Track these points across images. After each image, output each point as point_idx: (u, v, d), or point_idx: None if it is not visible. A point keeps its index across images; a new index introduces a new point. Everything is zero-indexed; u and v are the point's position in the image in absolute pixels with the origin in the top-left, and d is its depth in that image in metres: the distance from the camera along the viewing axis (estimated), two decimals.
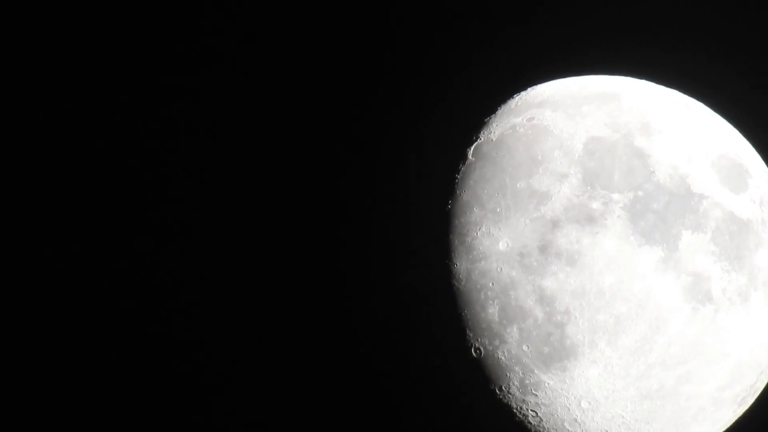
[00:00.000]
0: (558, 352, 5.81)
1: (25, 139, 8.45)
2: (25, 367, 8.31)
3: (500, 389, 6.05)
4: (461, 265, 6.07)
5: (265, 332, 8.24)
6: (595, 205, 5.88)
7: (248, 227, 8.32)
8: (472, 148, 6.40)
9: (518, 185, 6.03)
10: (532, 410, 6.02)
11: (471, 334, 6.04)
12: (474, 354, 6.06)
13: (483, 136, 6.43)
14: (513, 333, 5.89)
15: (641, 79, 6.65)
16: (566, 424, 5.98)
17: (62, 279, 8.36)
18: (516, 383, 5.97)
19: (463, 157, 6.39)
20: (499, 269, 5.93)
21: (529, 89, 6.70)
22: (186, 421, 8.24)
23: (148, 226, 8.45)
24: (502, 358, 5.95)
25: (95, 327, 8.31)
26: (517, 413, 6.08)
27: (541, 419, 6.03)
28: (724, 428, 6.42)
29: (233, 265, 8.27)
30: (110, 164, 8.51)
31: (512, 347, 5.90)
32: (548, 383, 5.88)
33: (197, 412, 8.25)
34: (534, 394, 5.95)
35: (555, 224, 5.88)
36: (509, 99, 6.66)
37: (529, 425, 6.09)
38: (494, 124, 6.46)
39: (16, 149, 8.44)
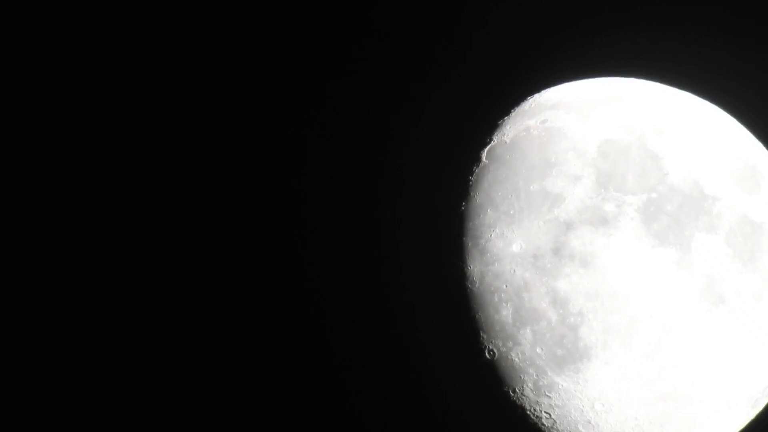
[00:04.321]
0: (571, 354, 5.82)
1: None
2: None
3: (514, 391, 6.06)
4: (475, 267, 6.08)
5: (272, 333, 8.26)
6: (609, 207, 5.88)
7: (262, 231, 8.33)
8: (486, 150, 6.41)
9: (532, 187, 6.04)
10: (545, 412, 6.03)
11: (484, 336, 6.05)
12: (487, 356, 6.07)
13: (496, 138, 6.44)
14: (526, 335, 5.90)
15: (654, 81, 6.65)
16: (580, 426, 5.99)
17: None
18: (530, 385, 5.98)
19: (477, 159, 6.40)
20: (512, 271, 5.94)
21: (542, 91, 6.71)
22: (185, 421, 8.25)
23: (152, 226, 8.46)
24: (516, 360, 5.96)
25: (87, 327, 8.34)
26: (531, 415, 6.09)
27: (555, 421, 6.04)
28: (738, 430, 6.41)
29: (248, 265, 8.29)
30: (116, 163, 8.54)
31: (526, 349, 5.91)
32: (562, 385, 5.89)
33: (199, 412, 8.26)
34: (547, 395, 5.96)
35: (568, 226, 5.89)
36: (523, 101, 6.67)
37: (542, 427, 6.10)
38: (508, 126, 6.47)
39: None
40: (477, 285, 6.06)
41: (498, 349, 6.02)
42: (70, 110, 8.52)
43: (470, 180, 6.34)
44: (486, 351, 6.06)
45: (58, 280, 8.34)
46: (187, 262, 8.36)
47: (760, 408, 6.37)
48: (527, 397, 6.03)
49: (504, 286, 5.96)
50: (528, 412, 6.09)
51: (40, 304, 8.31)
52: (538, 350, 5.88)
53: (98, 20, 8.47)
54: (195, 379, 8.25)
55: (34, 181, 8.46)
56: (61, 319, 8.30)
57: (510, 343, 5.96)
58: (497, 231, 6.05)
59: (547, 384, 5.92)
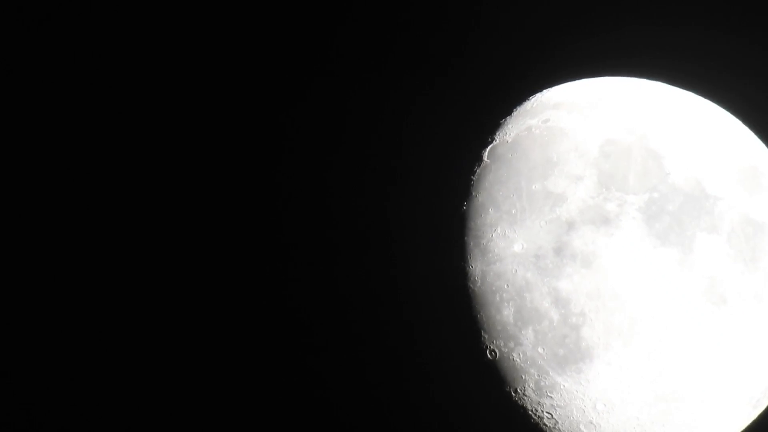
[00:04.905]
0: (573, 354, 5.81)
1: None
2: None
3: (515, 391, 6.05)
4: (476, 267, 6.08)
5: (278, 333, 8.26)
6: (611, 206, 5.88)
7: (266, 230, 8.33)
8: (488, 149, 6.41)
9: (533, 187, 6.04)
10: (547, 412, 6.03)
11: (486, 336, 6.05)
12: (489, 356, 6.07)
13: (498, 137, 6.44)
14: (528, 335, 5.90)
15: (656, 80, 6.64)
16: (582, 426, 5.98)
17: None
18: (531, 385, 5.98)
19: (479, 158, 6.40)
20: (514, 271, 5.94)
21: (544, 91, 6.70)
22: (185, 421, 8.24)
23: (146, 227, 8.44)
24: (518, 360, 5.96)
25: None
26: (533, 415, 6.08)
27: (557, 421, 6.03)
28: (739, 431, 6.41)
29: (251, 263, 8.28)
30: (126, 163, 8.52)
31: (527, 349, 5.91)
32: (563, 385, 5.89)
33: (199, 414, 8.25)
34: (549, 396, 5.96)
35: (570, 226, 5.89)
36: (525, 101, 6.67)
37: (544, 427, 6.09)
38: (509, 126, 6.47)
39: None
40: (478, 285, 6.06)
41: (499, 350, 6.01)
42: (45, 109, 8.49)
43: (472, 179, 6.33)
44: (487, 351, 6.06)
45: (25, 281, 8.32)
46: (175, 261, 8.34)
47: (761, 408, 6.36)
48: (529, 397, 6.02)
49: (505, 286, 5.96)
50: (530, 413, 6.08)
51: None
52: (540, 350, 5.88)
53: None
54: (178, 382, 8.23)
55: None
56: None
57: (511, 344, 5.96)
58: (499, 231, 6.05)
59: (549, 384, 5.92)
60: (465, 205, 6.28)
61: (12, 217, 8.34)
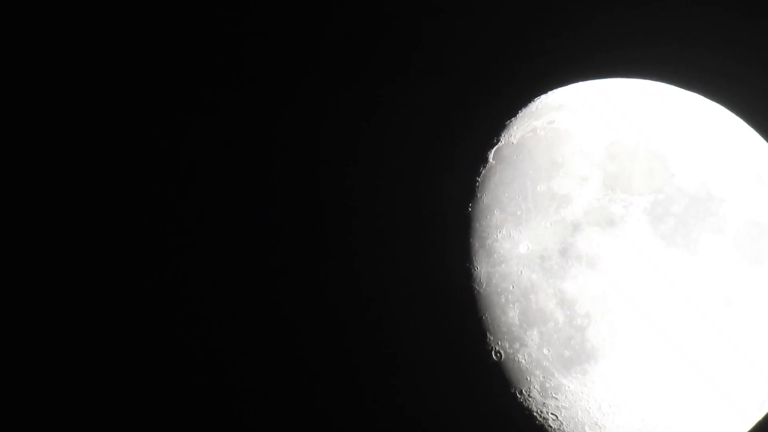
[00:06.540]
0: (578, 356, 5.81)
1: None
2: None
3: (521, 392, 6.06)
4: (482, 269, 6.09)
5: (282, 334, 8.26)
6: (616, 208, 5.88)
7: (269, 233, 8.33)
8: (493, 151, 6.41)
9: (539, 188, 6.04)
10: (552, 413, 6.03)
11: (491, 338, 6.05)
12: (494, 357, 6.07)
13: (504, 139, 6.44)
14: (533, 336, 5.90)
15: (661, 82, 6.64)
16: (587, 428, 5.98)
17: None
18: (536, 387, 5.98)
19: (484, 160, 6.40)
20: (519, 272, 5.94)
21: (549, 92, 6.70)
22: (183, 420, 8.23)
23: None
24: (523, 361, 5.96)
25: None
26: (538, 416, 6.09)
27: (562, 422, 6.03)
28: None
29: (256, 266, 8.28)
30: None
31: (533, 351, 5.91)
32: (569, 386, 5.89)
33: (206, 411, 8.25)
34: (554, 397, 5.96)
35: (575, 227, 5.89)
36: (530, 102, 6.67)
37: (549, 428, 6.10)
38: (515, 128, 6.47)
39: None
40: (484, 286, 6.06)
41: (505, 351, 6.02)
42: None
43: (477, 181, 6.34)
44: (493, 352, 6.06)
45: None
46: (163, 262, 8.33)
47: (767, 409, 6.36)
48: (534, 398, 6.02)
49: (511, 288, 5.96)
50: (535, 414, 6.08)
51: None
52: (545, 352, 5.88)
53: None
54: (172, 382, 8.22)
55: None
56: None
57: (517, 345, 5.96)
58: (504, 232, 6.05)
59: (554, 385, 5.92)
60: (470, 207, 6.28)
61: None
